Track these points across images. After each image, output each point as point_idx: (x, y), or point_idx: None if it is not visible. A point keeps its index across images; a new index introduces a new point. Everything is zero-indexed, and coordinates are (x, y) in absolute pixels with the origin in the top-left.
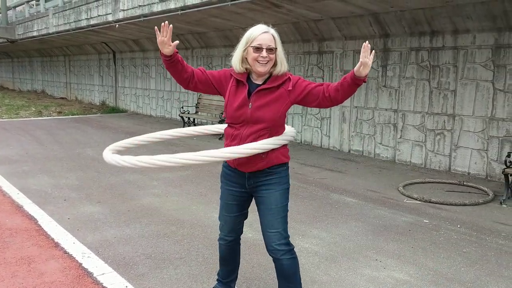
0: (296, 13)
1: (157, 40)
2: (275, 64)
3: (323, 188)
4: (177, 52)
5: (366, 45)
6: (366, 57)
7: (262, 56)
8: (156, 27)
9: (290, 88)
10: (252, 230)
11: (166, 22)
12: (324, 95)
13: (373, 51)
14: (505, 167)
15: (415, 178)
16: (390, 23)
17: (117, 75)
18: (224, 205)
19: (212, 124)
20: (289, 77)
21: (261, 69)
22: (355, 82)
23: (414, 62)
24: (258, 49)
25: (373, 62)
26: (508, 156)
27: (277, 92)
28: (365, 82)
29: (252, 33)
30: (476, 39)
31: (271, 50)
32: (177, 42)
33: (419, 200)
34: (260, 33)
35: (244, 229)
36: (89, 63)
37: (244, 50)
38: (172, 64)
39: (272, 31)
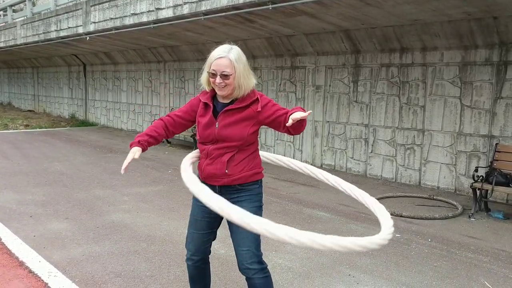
0: (269, 28)
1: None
2: (236, 87)
3: (296, 202)
4: (145, 147)
5: (307, 114)
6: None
7: (217, 82)
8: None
9: (259, 109)
10: (225, 246)
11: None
12: (284, 125)
13: (310, 111)
14: (473, 181)
15: (386, 192)
16: (361, 39)
17: (87, 88)
18: (193, 221)
19: (185, 138)
20: (257, 98)
21: (219, 92)
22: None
23: (384, 78)
24: (213, 74)
25: (344, 78)
26: (476, 170)
27: (245, 111)
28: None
29: (210, 57)
30: (444, 56)
31: (225, 76)
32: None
33: (391, 214)
34: (216, 58)
35: (216, 245)
36: (58, 75)
37: (208, 73)
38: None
39: (232, 54)
